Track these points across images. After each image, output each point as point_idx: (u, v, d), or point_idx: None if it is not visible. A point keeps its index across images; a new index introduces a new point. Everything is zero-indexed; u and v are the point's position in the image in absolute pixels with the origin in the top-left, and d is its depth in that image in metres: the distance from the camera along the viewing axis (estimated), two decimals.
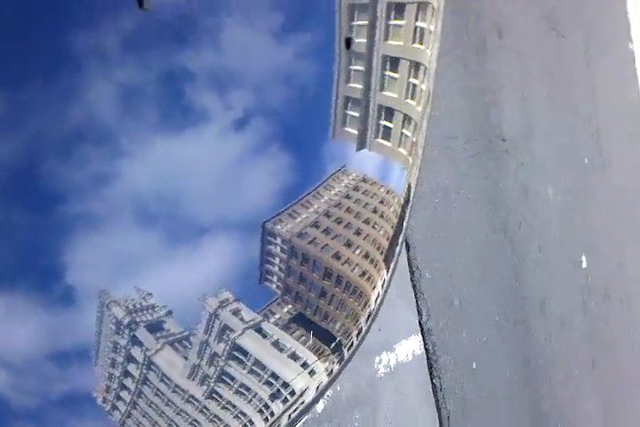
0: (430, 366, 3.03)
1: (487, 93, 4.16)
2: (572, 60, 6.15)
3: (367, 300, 1.39)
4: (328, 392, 2.32)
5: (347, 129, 1.50)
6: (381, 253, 1.51)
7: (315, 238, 1.42)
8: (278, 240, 1.28)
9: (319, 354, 1.24)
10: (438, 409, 3.04)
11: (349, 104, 1.49)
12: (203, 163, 0.99)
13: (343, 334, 1.29)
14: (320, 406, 2.24)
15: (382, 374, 2.68)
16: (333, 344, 1.25)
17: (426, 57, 1.59)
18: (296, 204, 1.29)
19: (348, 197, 1.56)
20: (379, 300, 1.45)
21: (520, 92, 4.71)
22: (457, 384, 3.20)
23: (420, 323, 3.02)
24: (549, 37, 5.52)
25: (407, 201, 1.60)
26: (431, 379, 3.02)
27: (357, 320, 1.35)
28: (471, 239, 3.72)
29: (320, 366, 1.23)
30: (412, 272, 3.01)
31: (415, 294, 3.02)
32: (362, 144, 1.54)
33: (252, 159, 1.12)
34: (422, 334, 3.02)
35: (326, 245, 1.43)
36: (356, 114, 1.52)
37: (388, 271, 1.53)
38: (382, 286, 1.48)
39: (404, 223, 1.60)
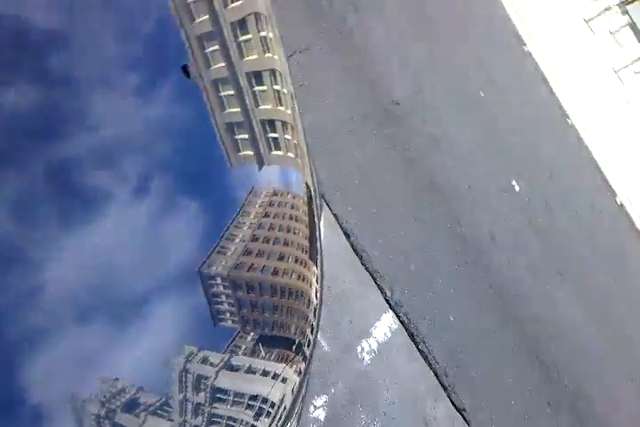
0: (412, 335, 3.09)
1: (367, 66, 4.20)
2: (436, 5, 6.24)
3: (309, 298, 1.44)
4: (324, 398, 2.35)
5: (242, 153, 1.51)
6: (306, 252, 1.56)
7: (252, 264, 1.45)
8: (218, 280, 1.29)
9: (285, 360, 1.28)
10: (434, 370, 3.11)
11: (235, 129, 1.50)
12: (119, 239, 0.98)
13: (300, 335, 1.31)
14: (322, 415, 2.26)
15: (369, 361, 2.72)
16: (294, 347, 1.27)
17: (277, 62, 1.62)
18: (222, 240, 1.31)
19: (266, 215, 1.59)
20: (318, 294, 1.51)
21: (397, 55, 4.76)
22: (442, 341, 3.28)
23: (386, 300, 3.07)
24: None
25: (310, 198, 1.65)
26: (416, 346, 3.09)
27: (307, 319, 1.40)
28: (404, 204, 3.78)
29: (289, 371, 1.27)
30: (360, 257, 3.05)
31: (371, 275, 3.06)
32: (261, 162, 1.56)
33: (166, 216, 1.12)
34: (392, 309, 3.07)
35: (264, 266, 1.46)
36: (245, 136, 1.54)
37: (317, 267, 1.59)
38: (317, 281, 1.55)
39: (316, 219, 1.65)
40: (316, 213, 1.72)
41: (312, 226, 1.65)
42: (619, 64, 15.12)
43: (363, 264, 3.05)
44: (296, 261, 1.58)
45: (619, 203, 8.50)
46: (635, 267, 8.00)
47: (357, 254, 3.04)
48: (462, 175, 4.70)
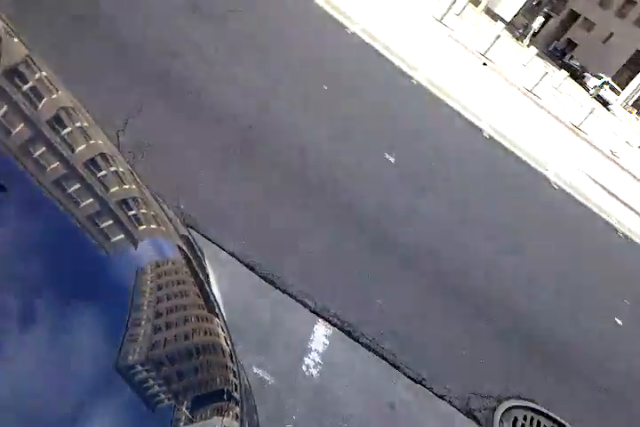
0: (349, 333, 3.17)
1: (206, 104, 4.22)
2: (251, 20, 6.33)
3: (221, 347, 1.51)
4: None
5: (114, 239, 1.53)
6: (203, 308, 1.62)
7: (165, 339, 1.47)
8: (139, 368, 1.31)
9: (219, 412, 1.33)
10: (381, 355, 3.20)
11: (96, 219, 1.51)
12: (26, 371, 0.99)
13: (226, 383, 1.38)
14: None
15: (318, 374, 2.78)
16: (225, 395, 1.33)
17: (103, 146, 1.65)
18: (128, 328, 1.33)
19: (159, 288, 1.61)
20: (229, 340, 1.58)
21: (230, 81, 4.81)
22: (379, 326, 3.38)
23: (312, 311, 3.13)
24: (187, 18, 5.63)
25: (188, 258, 1.69)
26: (357, 341, 3.17)
27: (226, 366, 1.45)
28: (293, 217, 3.85)
29: (227, 420, 1.32)
30: (271, 282, 3.09)
31: (289, 295, 3.11)
32: (134, 241, 1.58)
33: (63, 329, 1.13)
34: (321, 317, 3.13)
35: (175, 336, 1.50)
36: (109, 222, 1.55)
37: (218, 317, 1.65)
38: (223, 329, 1.62)
39: (201, 275, 1.70)
40: (199, 270, 1.77)
41: (199, 282, 1.70)
42: (439, 12, 15.86)
43: (277, 288, 3.09)
44: (198, 319, 1.63)
45: (487, 136, 8.99)
46: (531, 193, 8.51)
47: (268, 281, 3.08)
48: (337, 167, 4.83)
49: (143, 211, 1.68)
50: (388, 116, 6.90)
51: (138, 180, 1.77)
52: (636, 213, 12.05)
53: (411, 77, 8.89)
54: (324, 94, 6.01)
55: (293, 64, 6.16)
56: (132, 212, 1.63)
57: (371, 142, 5.80)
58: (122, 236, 1.51)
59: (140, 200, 1.70)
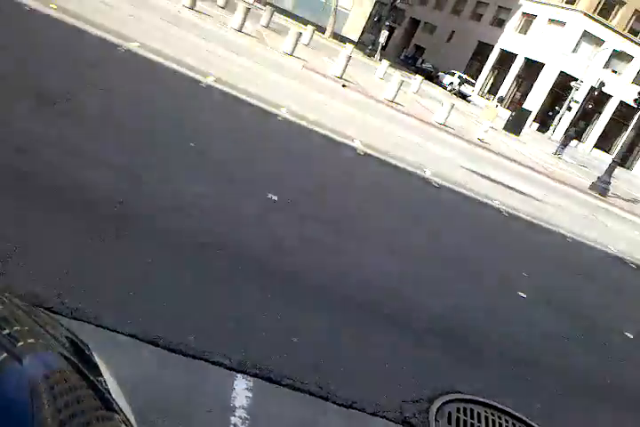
0: (270, 380, 3.16)
1: (66, 190, 4.13)
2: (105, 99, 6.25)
3: None
4: None
5: (5, 354, 1.52)
6: (102, 408, 1.64)
7: None
8: None
9: None
10: (307, 392, 3.22)
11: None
12: None
13: None
14: None
15: None
16: None
17: None
18: None
19: (54, 398, 1.60)
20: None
21: (84, 164, 4.73)
22: (298, 366, 3.41)
23: (228, 368, 3.11)
24: None
25: (74, 363, 1.70)
26: (280, 384, 3.18)
27: None
28: (182, 283, 3.84)
29: None
30: (177, 351, 3.05)
31: (201, 359, 3.08)
32: (17, 358, 1.59)
33: None
34: (238, 371, 3.12)
35: None
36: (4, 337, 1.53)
37: (118, 413, 1.67)
38: (126, 423, 1.65)
39: (91, 376, 1.71)
40: (88, 371, 1.76)
41: (91, 384, 1.69)
42: (288, 46, 16.37)
43: (186, 355, 3.06)
44: (99, 420, 1.63)
45: (362, 153, 9.38)
46: (415, 197, 8.90)
47: (174, 351, 3.04)
48: (221, 218, 4.87)
49: (17, 328, 1.68)
50: (262, 156, 7.05)
51: (4, 298, 1.76)
52: (513, 189, 12.94)
53: (276, 115, 9.15)
54: (193, 151, 6.07)
55: (153, 128, 6.19)
56: (6, 331, 1.63)
57: (250, 186, 5.90)
58: (3, 357, 1.50)
59: (10, 319, 1.69)
